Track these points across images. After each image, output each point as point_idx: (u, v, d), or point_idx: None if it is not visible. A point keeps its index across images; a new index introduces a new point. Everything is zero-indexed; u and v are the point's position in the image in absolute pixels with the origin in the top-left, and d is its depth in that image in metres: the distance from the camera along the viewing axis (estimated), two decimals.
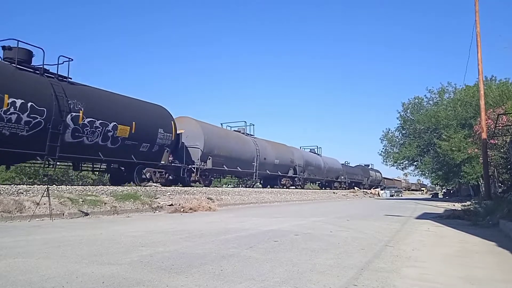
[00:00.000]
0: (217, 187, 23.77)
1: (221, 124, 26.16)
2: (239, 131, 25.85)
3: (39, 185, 11.34)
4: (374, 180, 59.37)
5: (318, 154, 39.60)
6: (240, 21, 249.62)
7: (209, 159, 19.82)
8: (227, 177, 28.82)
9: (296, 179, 31.32)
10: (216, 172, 22.26)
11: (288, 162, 29.87)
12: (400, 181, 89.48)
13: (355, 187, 47.81)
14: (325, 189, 40.00)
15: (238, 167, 22.84)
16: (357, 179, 50.73)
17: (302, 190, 32.17)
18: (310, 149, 39.36)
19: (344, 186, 44.89)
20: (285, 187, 29.38)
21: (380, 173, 64.61)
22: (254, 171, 24.81)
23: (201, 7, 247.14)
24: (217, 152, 20.76)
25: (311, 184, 43.58)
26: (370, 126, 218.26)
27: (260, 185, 31.02)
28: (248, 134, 26.43)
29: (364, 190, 49.40)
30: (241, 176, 27.19)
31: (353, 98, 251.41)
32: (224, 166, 21.42)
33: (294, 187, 30.97)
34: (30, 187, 10.38)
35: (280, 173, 28.90)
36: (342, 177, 44.16)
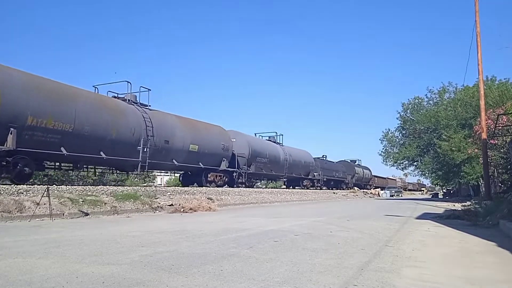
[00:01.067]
0: (217, 187, 23.61)
1: (95, 87, 16.06)
2: (124, 99, 16.54)
3: (39, 185, 11.35)
4: (361, 178, 51.02)
5: (278, 143, 30.10)
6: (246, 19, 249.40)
7: (11, 133, 10.97)
8: (97, 169, 17.46)
9: (235, 174, 22.46)
10: (40, 158, 12.71)
11: (218, 150, 20.79)
12: (395, 180, 79.47)
13: (354, 188, 47.67)
14: (293, 188, 32.57)
15: (101, 153, 14.01)
16: (337, 177, 42.28)
17: (302, 190, 32.03)
18: (269, 137, 30.07)
19: (318, 185, 36.54)
20: (215, 185, 20.54)
21: (370, 171, 56.67)
22: (140, 160, 15.65)
23: None
24: (38, 124, 11.75)
25: (272, 182, 35.61)
26: (367, 125, 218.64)
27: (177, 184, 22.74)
28: (135, 102, 16.73)
29: (364, 190, 49.21)
30: (119, 168, 17.26)
31: (352, 97, 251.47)
32: (62, 149, 12.55)
33: (236, 186, 22.17)
34: (30, 187, 10.39)
35: (202, 165, 19.43)
36: (316, 173, 35.43)
